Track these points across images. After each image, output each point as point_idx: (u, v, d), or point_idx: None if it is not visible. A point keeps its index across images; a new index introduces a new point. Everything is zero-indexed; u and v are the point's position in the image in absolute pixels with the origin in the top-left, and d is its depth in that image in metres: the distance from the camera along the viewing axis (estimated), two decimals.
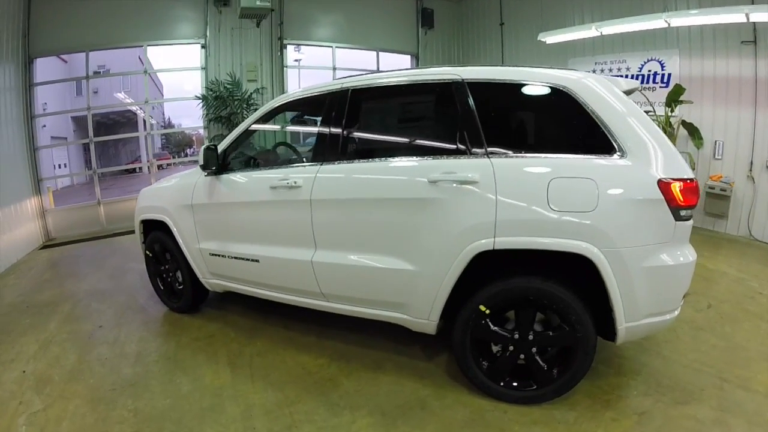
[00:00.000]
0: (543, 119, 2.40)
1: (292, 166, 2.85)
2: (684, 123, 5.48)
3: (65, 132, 14.15)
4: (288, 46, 7.92)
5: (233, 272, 3.00)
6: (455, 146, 2.24)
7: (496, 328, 2.22)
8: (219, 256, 2.97)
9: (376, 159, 2.45)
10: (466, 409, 2.21)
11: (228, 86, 7.12)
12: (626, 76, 6.24)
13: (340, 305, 2.61)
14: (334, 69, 8.45)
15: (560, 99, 2.11)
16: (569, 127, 2.21)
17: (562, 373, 2.18)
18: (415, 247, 2.26)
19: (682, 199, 1.98)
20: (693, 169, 5.32)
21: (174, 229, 3.20)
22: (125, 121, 22.65)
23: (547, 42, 6.66)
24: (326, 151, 2.55)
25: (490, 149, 2.16)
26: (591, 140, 2.06)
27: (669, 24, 5.16)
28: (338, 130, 2.51)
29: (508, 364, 2.25)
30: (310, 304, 2.76)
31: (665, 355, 2.68)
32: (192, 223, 3.10)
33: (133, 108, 18.13)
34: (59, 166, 15.99)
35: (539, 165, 2.08)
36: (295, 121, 4.42)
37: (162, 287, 3.63)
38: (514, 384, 2.26)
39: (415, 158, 2.35)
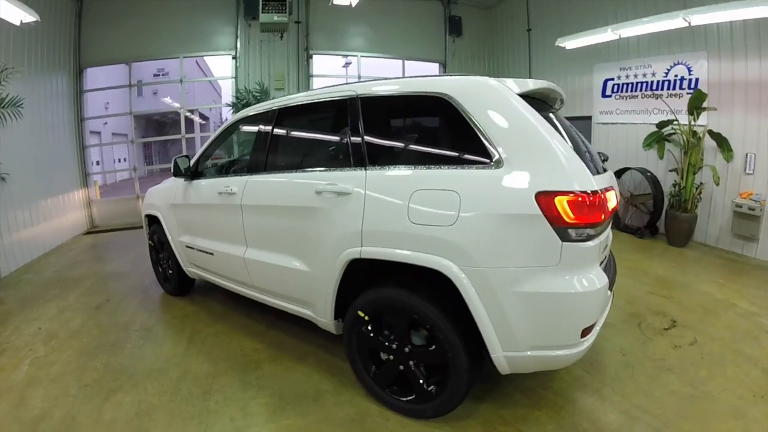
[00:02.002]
0: (424, 129, 2.47)
1: (235, 176, 3.20)
2: (711, 133, 5.31)
3: (125, 129, 16.29)
4: (314, 56, 8.72)
5: (199, 262, 3.63)
6: (345, 159, 2.42)
7: (375, 335, 2.33)
8: (190, 248, 3.62)
9: (288, 171, 2.76)
10: (353, 409, 2.41)
11: (256, 94, 8.01)
12: (651, 83, 6.19)
13: (267, 297, 3.06)
14: (360, 78, 9.14)
15: (441, 108, 2.11)
16: (448, 136, 2.21)
17: (439, 393, 2.16)
18: (309, 250, 2.53)
19: (571, 215, 1.76)
20: (717, 184, 5.23)
21: (163, 224, 3.94)
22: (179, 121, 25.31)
23: (567, 47, 6.77)
24: (256, 163, 2.99)
25: (370, 161, 2.28)
26: (468, 149, 2.01)
27: (689, 23, 5.02)
28: (265, 144, 2.92)
29: (390, 372, 2.33)
30: (249, 294, 3.25)
31: (604, 395, 2.49)
32: (174, 219, 3.79)
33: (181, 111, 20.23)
34: (119, 161, 18.39)
35: (406, 176, 2.13)
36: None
37: (159, 273, 4.45)
38: (397, 393, 2.34)
39: (313, 170, 2.57)
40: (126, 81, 7.87)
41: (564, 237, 1.80)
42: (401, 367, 2.28)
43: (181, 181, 3.63)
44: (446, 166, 2.04)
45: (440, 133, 2.33)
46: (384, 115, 2.44)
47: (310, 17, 8.42)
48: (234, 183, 3.05)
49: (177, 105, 8.26)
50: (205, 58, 8.14)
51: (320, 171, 2.53)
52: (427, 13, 9.20)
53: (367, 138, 2.34)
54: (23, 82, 5.41)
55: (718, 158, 5.42)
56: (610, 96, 6.91)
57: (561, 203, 1.77)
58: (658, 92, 6.15)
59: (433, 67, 9.67)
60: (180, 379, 2.79)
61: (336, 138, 2.66)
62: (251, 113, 3.24)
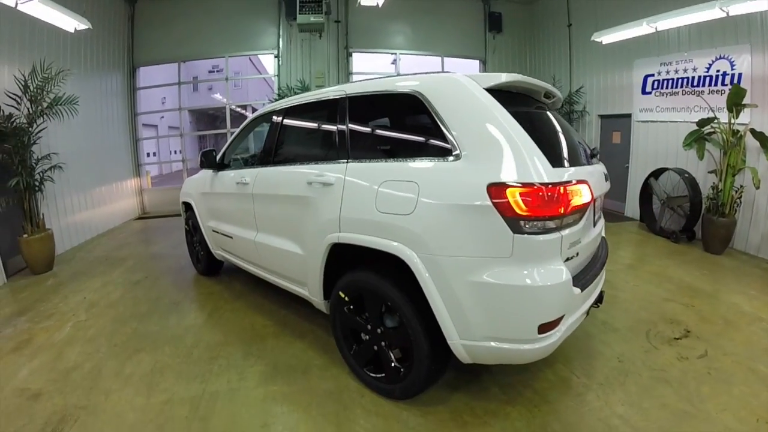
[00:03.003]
0: (399, 125, 2.57)
1: (250, 168, 3.46)
2: (753, 132, 4.99)
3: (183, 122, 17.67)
4: (354, 54, 9.02)
5: (223, 245, 3.98)
6: (333, 152, 2.62)
7: (354, 315, 2.50)
8: (216, 231, 4.00)
9: (289, 163, 3.01)
10: (334, 383, 2.59)
11: (297, 91, 8.42)
12: (692, 79, 5.90)
13: (273, 277, 3.35)
14: (398, 75, 9.32)
15: (413, 104, 2.22)
16: (418, 130, 2.30)
17: (406, 375, 2.28)
18: (302, 235, 2.75)
19: (523, 207, 1.78)
20: (757, 187, 4.88)
21: (195, 210, 4.37)
22: (236, 116, 26.83)
23: (603, 42, 6.60)
24: (267, 156, 3.27)
25: (352, 155, 2.47)
26: (433, 143, 2.13)
27: (727, 12, 4.81)
28: (274, 139, 3.23)
29: (367, 351, 2.48)
30: (259, 274, 3.55)
31: (586, 400, 2.43)
32: (204, 206, 4.19)
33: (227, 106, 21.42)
34: (174, 152, 19.76)
35: (377, 168, 2.28)
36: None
37: (192, 255, 4.89)
38: (373, 372, 2.48)
39: (308, 163, 2.78)
40: (182, 78, 8.58)
41: (515, 229, 1.82)
42: (375, 347, 2.43)
43: (210, 172, 4.01)
44: (413, 159, 2.17)
45: (412, 128, 2.43)
46: (366, 112, 2.60)
47: (350, 17, 8.72)
48: (248, 174, 3.36)
49: (225, 101, 8.83)
50: (259, 56, 8.63)
51: (313, 164, 2.75)
52: (466, 10, 9.24)
53: (350, 133, 2.55)
54: (80, 81, 6.13)
55: (762, 160, 5.09)
56: (650, 93, 6.64)
57: (512, 195, 1.79)
58: (699, 88, 5.85)
59: (474, 64, 9.69)
60: (194, 345, 3.13)
61: (328, 133, 2.85)
62: (266, 111, 3.55)
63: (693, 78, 5.95)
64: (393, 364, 2.36)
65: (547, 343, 1.95)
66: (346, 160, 2.51)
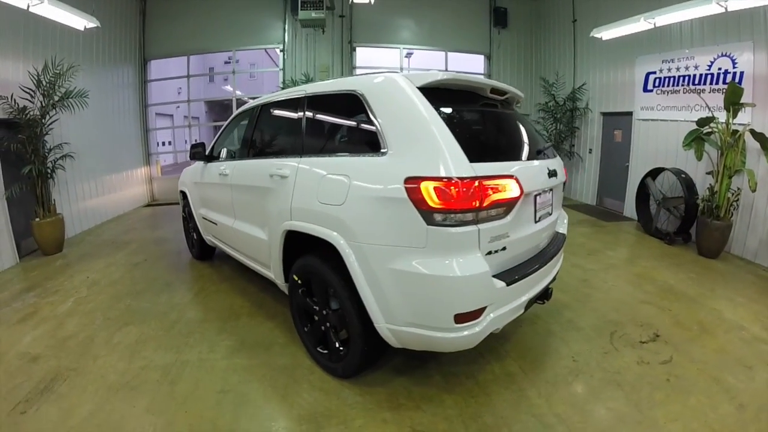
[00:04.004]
0: (343, 122, 2.73)
1: (231, 161, 3.79)
2: (753, 133, 4.94)
3: (198, 113, 18.25)
4: (357, 48, 9.30)
5: (211, 231, 4.34)
6: (291, 148, 2.91)
7: (306, 297, 2.74)
8: (205, 219, 4.36)
9: (259, 157, 3.31)
10: (290, 360, 2.85)
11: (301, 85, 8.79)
12: (693, 77, 5.93)
13: (246, 260, 3.68)
14: (401, 71, 9.55)
15: (355, 103, 2.40)
16: (357, 128, 2.47)
17: (346, 355, 2.49)
18: (266, 222, 3.03)
19: (436, 200, 1.91)
20: (753, 190, 4.82)
21: (189, 198, 4.77)
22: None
23: (603, 38, 6.68)
24: (243, 149, 3.61)
25: (306, 150, 2.73)
26: (367, 139, 2.31)
27: (725, 8, 4.81)
28: (250, 134, 3.55)
29: (317, 331, 2.71)
30: (237, 258, 3.89)
31: (527, 395, 2.49)
32: (197, 195, 4.57)
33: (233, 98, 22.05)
34: (187, 142, 20.58)
35: (320, 163, 2.52)
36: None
37: (188, 240, 5.30)
38: (322, 350, 2.71)
39: (273, 158, 3.06)
40: (197, 70, 9.07)
41: (429, 221, 1.95)
42: (323, 328, 2.67)
43: (201, 163, 4.37)
44: (351, 155, 2.39)
45: (353, 125, 2.59)
46: (319, 111, 2.83)
47: (354, 11, 8.98)
48: (228, 166, 3.71)
49: (238, 93, 9.26)
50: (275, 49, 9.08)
51: (276, 158, 3.04)
52: (472, 5, 9.38)
53: (305, 130, 2.83)
54: (93, 74, 6.62)
55: (762, 162, 5.02)
56: (651, 90, 6.69)
57: (426, 188, 1.93)
58: (700, 87, 5.86)
59: (479, 60, 9.83)
60: (176, 321, 3.50)
61: (289, 130, 3.12)
62: (247, 107, 3.88)
63: (694, 76, 5.97)
64: (336, 344, 2.58)
65: (467, 333, 2.04)
66: (300, 155, 2.77)
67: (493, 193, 2.04)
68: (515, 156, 2.48)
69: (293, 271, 2.80)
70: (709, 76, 5.78)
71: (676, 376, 2.67)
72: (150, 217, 7.75)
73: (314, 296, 2.72)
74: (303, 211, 2.59)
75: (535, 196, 2.48)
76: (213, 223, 4.16)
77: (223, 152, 4.02)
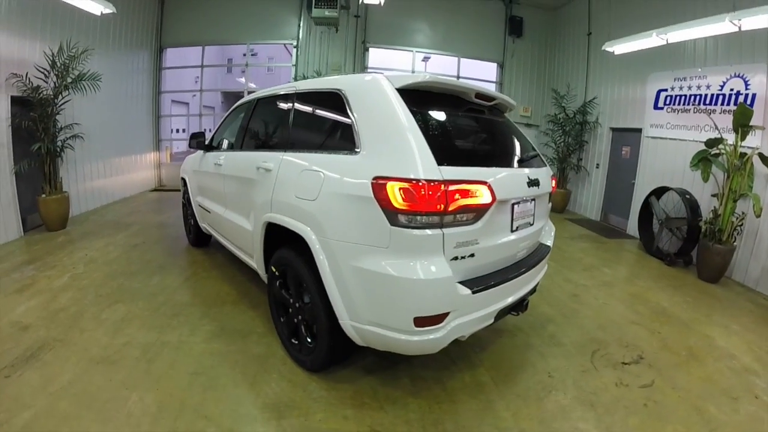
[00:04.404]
0: (326, 120, 2.76)
1: (225, 151, 3.92)
2: (762, 157, 4.88)
3: (214, 102, 18.58)
4: (370, 49, 9.38)
5: (205, 218, 4.46)
6: (278, 143, 3.02)
7: (282, 288, 2.78)
8: (201, 206, 4.48)
9: (251, 149, 3.38)
10: (265, 350, 2.91)
11: None
12: (704, 96, 5.88)
13: (234, 249, 3.77)
14: (413, 73, 9.63)
15: (337, 101, 2.46)
16: (337, 125, 2.51)
17: (315, 348, 2.53)
18: (250, 212, 3.12)
19: (401, 201, 1.93)
20: (757, 215, 4.76)
21: (188, 186, 4.90)
22: None
23: (615, 53, 6.67)
24: (239, 141, 3.70)
25: (290, 145, 2.81)
26: (344, 137, 2.36)
27: (739, 27, 4.76)
28: (243, 128, 3.66)
29: (291, 322, 2.76)
30: (226, 245, 3.99)
31: (494, 408, 2.45)
32: (195, 182, 4.69)
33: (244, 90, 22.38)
34: (209, 129, 20.98)
35: (299, 159, 2.60)
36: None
37: (186, 226, 5.42)
38: (294, 342, 2.75)
39: (260, 151, 3.14)
40: (217, 61, 9.27)
41: (393, 221, 1.96)
42: (296, 320, 2.71)
43: (201, 152, 4.50)
44: (329, 152, 2.46)
45: (334, 123, 2.60)
46: (306, 108, 2.90)
47: (369, 12, 9.07)
48: (222, 157, 3.83)
49: (251, 85, 9.45)
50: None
51: (263, 151, 3.12)
52: (487, 12, 9.41)
53: (292, 126, 2.92)
54: (107, 59, 6.82)
55: None
56: (662, 108, 6.65)
57: (392, 189, 1.94)
58: (711, 107, 5.83)
59: (491, 67, 9.85)
60: (163, 303, 3.61)
61: (277, 125, 3.22)
62: (244, 101, 4.01)
63: (705, 96, 5.93)
64: (306, 337, 2.62)
65: (428, 338, 2.04)
66: (284, 150, 2.85)
67: (462, 197, 2.03)
68: (493, 162, 2.46)
69: (272, 262, 2.87)
70: (720, 97, 5.74)
71: (655, 402, 2.58)
72: (155, 202, 7.94)
73: (289, 288, 2.77)
74: (281, 204, 2.66)
75: (513, 204, 2.47)
76: (207, 211, 4.27)
77: (223, 143, 4.12)
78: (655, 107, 6.79)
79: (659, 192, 6.24)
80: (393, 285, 1.99)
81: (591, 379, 2.81)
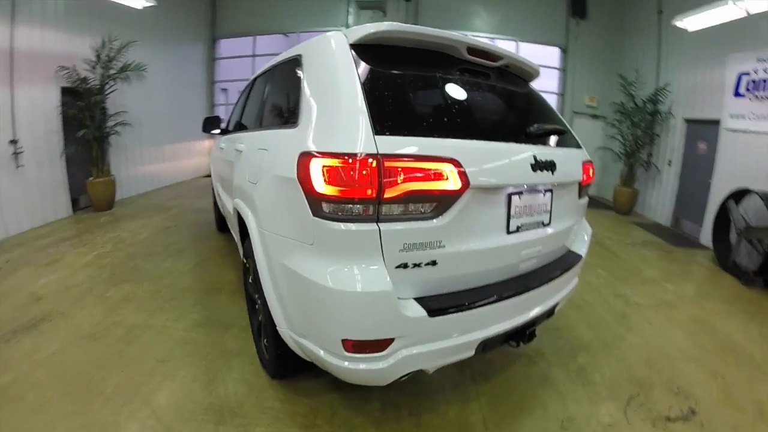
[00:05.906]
0: (287, 92, 2.37)
1: (229, 134, 3.84)
2: None
3: None
4: None
5: (218, 203, 4.58)
6: (253, 122, 2.90)
7: (251, 282, 2.49)
8: (215, 191, 4.69)
9: (239, 131, 3.33)
10: (240, 345, 2.81)
11: None
12: None
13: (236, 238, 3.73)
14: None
15: (297, 69, 2.14)
16: (291, 97, 2.17)
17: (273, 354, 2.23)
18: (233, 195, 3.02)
19: (325, 184, 1.49)
20: None
21: (212, 171, 5.13)
22: None
23: (689, 29, 5.91)
24: (235, 123, 3.71)
25: (260, 122, 2.66)
26: (294, 108, 2.00)
27: None
28: (241, 108, 3.61)
29: (256, 321, 2.51)
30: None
31: None
32: (213, 168, 4.88)
33: None
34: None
35: (258, 138, 2.38)
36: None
37: (215, 212, 5.67)
38: (265, 341, 2.39)
39: (242, 132, 3.04)
40: (272, 50, 9.60)
41: (315, 211, 1.54)
42: (260, 319, 2.35)
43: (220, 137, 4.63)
44: (276, 127, 2.20)
45: (289, 93, 2.27)
46: (277, 80, 2.66)
47: None
48: (224, 141, 3.88)
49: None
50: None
51: (242, 132, 3.08)
52: None
53: (265, 102, 2.76)
54: (160, 50, 7.30)
55: None
56: (743, 95, 5.74)
57: (314, 168, 1.51)
58: None
59: (553, 52, 9.18)
60: (166, 286, 3.77)
61: (257, 102, 3.09)
62: (248, 83, 3.99)
63: None
64: (264, 340, 2.32)
65: (365, 367, 1.59)
66: (255, 129, 2.71)
67: (409, 180, 1.50)
68: (474, 134, 1.78)
69: (243, 253, 2.80)
70: None
71: None
72: (202, 188, 8.40)
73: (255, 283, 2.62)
74: (239, 188, 2.53)
75: (510, 194, 1.88)
76: (219, 195, 4.40)
77: (230, 127, 4.20)
78: (736, 94, 5.87)
79: (739, 195, 5.34)
80: (316, 294, 1.58)
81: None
